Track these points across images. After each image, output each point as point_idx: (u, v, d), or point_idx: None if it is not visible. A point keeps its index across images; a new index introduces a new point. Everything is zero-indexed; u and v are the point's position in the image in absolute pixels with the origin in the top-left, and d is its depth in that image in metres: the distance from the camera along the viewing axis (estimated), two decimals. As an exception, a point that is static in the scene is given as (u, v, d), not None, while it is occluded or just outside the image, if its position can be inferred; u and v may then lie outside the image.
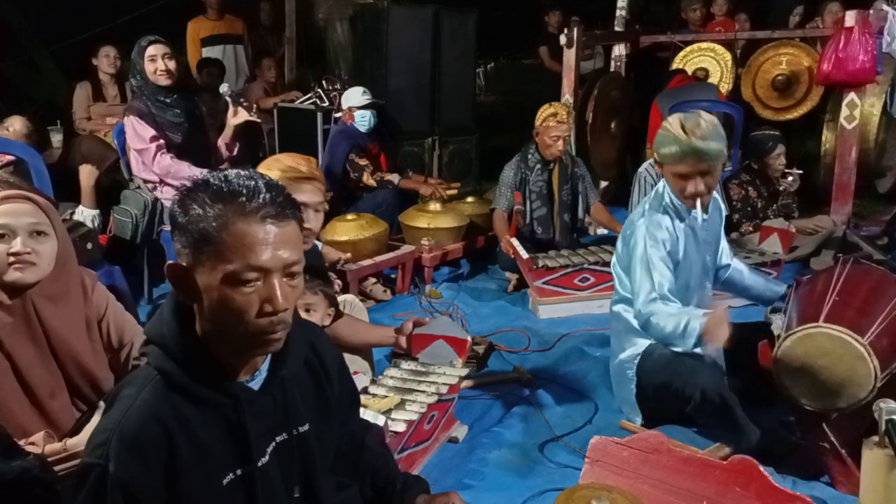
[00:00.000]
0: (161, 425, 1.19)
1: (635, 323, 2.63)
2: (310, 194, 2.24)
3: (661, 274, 2.49)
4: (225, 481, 1.25)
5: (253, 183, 1.20)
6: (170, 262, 1.24)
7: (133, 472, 1.15)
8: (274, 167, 2.22)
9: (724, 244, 2.88)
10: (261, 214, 1.17)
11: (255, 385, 1.30)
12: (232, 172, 1.22)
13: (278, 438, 1.33)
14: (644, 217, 2.59)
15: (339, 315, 2.53)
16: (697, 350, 2.37)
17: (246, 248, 1.16)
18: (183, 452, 1.20)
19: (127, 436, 1.17)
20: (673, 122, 2.50)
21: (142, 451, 1.17)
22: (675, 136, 2.47)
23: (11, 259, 1.69)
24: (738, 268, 2.90)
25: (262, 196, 1.18)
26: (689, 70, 5.97)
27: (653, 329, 2.46)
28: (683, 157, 2.47)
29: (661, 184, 2.64)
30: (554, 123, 4.18)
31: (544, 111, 4.23)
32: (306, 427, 1.37)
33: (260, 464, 1.29)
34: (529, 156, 4.35)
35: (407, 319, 2.54)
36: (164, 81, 3.71)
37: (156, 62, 3.68)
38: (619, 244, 2.73)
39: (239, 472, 1.26)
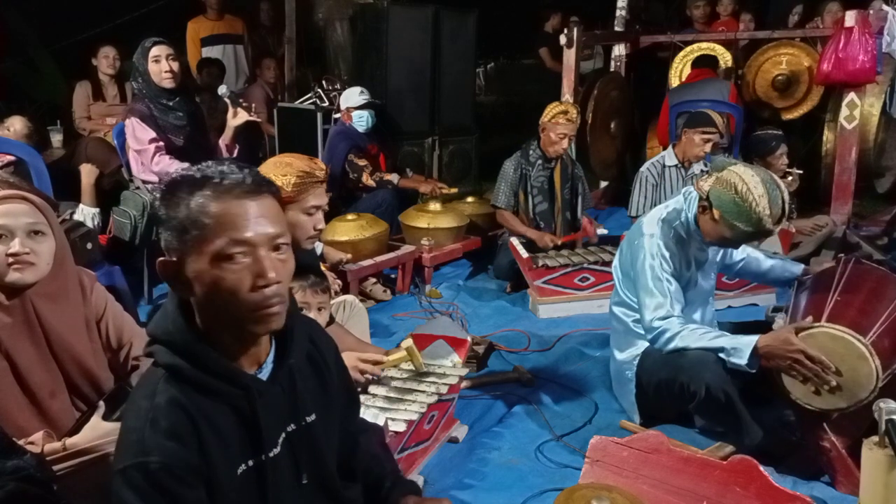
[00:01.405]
0: (187, 414, 1.21)
1: (634, 325, 2.63)
2: (322, 197, 2.25)
3: (670, 291, 2.49)
4: (239, 471, 1.26)
5: (224, 167, 1.24)
6: (160, 259, 1.26)
7: (175, 454, 1.17)
8: (288, 172, 2.18)
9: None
10: (235, 193, 1.22)
11: (263, 376, 1.32)
12: (203, 164, 1.27)
13: (289, 429, 1.35)
14: (656, 229, 2.57)
15: (330, 319, 2.53)
16: (741, 365, 2.30)
17: (227, 225, 1.20)
18: (209, 441, 1.22)
19: (160, 426, 1.19)
20: (762, 203, 2.30)
21: (178, 436, 1.19)
22: (758, 220, 2.31)
23: (10, 260, 1.69)
24: (754, 255, 2.88)
25: (233, 176, 1.23)
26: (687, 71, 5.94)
27: (670, 342, 2.44)
28: (751, 237, 2.44)
29: (688, 208, 2.56)
30: (563, 121, 4.18)
31: (554, 108, 4.23)
32: (313, 417, 1.39)
33: (272, 454, 1.30)
34: (531, 152, 4.35)
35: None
36: (168, 84, 3.68)
37: (160, 63, 3.66)
38: (623, 246, 2.71)
39: (251, 462, 1.28)
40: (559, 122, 4.19)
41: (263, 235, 1.22)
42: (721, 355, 2.34)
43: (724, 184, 2.37)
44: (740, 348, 2.29)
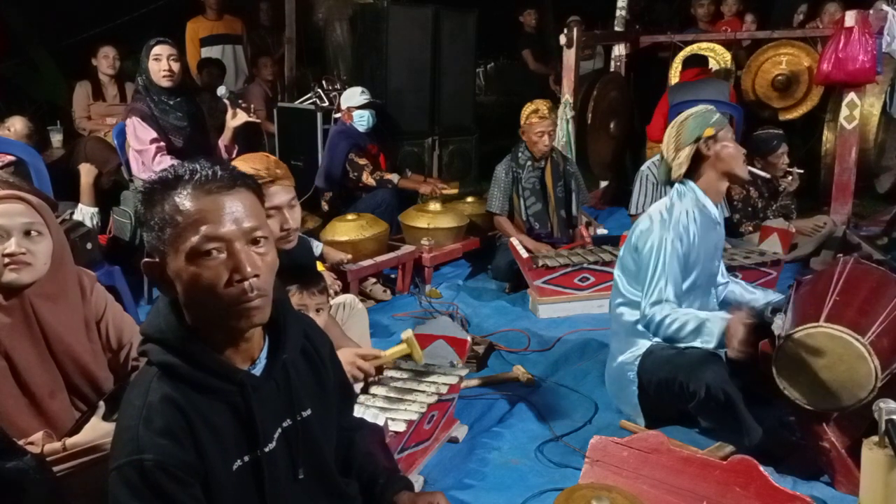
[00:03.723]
0: (181, 412, 1.21)
1: (636, 325, 2.62)
2: (279, 196, 2.14)
3: (673, 278, 2.50)
4: (234, 467, 1.27)
5: (196, 165, 1.25)
6: (144, 260, 1.27)
7: (169, 452, 1.18)
8: None
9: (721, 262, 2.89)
10: (207, 189, 1.22)
11: (257, 371, 1.33)
12: (179, 164, 1.27)
13: (284, 424, 1.35)
14: (667, 214, 2.58)
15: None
16: (711, 348, 2.38)
17: (199, 221, 1.20)
18: (203, 438, 1.22)
19: (153, 425, 1.19)
20: (691, 111, 2.66)
21: (172, 434, 1.19)
22: (704, 112, 2.62)
23: (6, 260, 1.69)
24: (733, 289, 2.90)
25: (204, 172, 1.23)
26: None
27: (660, 327, 2.46)
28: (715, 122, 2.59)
29: (688, 189, 2.63)
30: (536, 119, 4.21)
31: (527, 109, 4.27)
32: (309, 412, 1.40)
33: (267, 449, 1.31)
34: (520, 154, 4.37)
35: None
36: (165, 83, 3.72)
37: (160, 62, 3.70)
38: (632, 235, 2.69)
39: (247, 458, 1.29)
40: (533, 121, 4.22)
41: (237, 230, 1.22)
42: (698, 340, 2.40)
43: (664, 148, 2.65)
44: (713, 325, 2.36)
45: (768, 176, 4.56)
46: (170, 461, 1.17)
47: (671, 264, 2.50)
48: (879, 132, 5.48)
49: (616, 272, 2.78)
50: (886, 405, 1.85)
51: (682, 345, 2.48)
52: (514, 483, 2.34)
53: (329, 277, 3.06)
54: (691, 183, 2.62)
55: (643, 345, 2.64)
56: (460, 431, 2.63)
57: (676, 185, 2.66)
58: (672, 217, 2.57)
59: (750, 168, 4.11)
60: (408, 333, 2.35)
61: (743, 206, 4.61)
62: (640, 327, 2.62)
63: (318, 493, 1.42)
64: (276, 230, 2.15)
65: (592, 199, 6.04)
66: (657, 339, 2.61)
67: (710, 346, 2.37)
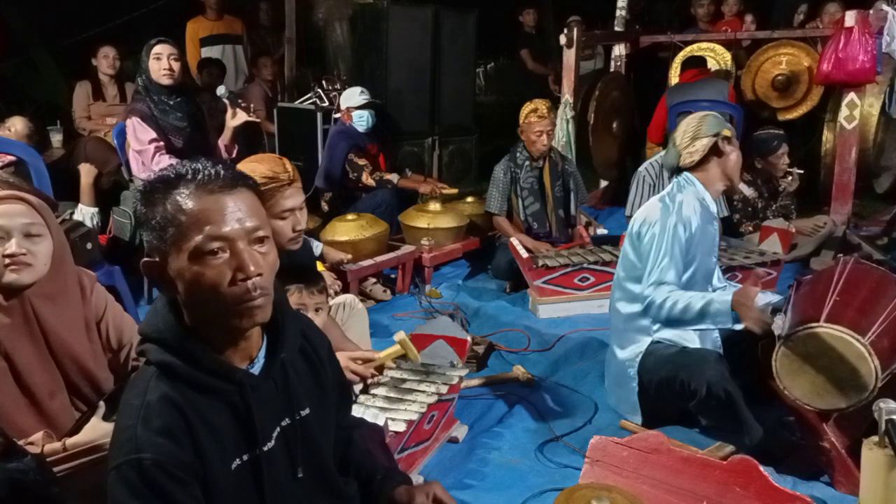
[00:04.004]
0: (179, 411, 1.21)
1: (639, 320, 2.62)
2: (295, 198, 2.16)
3: (675, 262, 2.51)
4: (233, 466, 1.27)
5: (197, 164, 1.25)
6: (144, 260, 1.27)
7: (168, 451, 1.18)
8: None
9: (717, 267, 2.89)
10: (209, 188, 1.22)
11: (255, 371, 1.33)
12: (178, 163, 1.27)
13: (283, 423, 1.35)
14: (669, 201, 2.60)
15: None
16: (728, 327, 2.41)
17: (202, 221, 1.20)
18: (202, 437, 1.22)
19: (151, 424, 1.19)
20: (703, 116, 2.67)
21: (171, 434, 1.19)
22: (714, 119, 2.62)
23: (7, 261, 1.69)
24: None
25: (206, 172, 1.23)
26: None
27: (661, 308, 2.45)
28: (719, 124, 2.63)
29: (687, 182, 2.65)
30: (535, 119, 4.22)
31: (525, 108, 4.28)
32: (307, 411, 1.40)
33: (266, 448, 1.31)
34: (518, 154, 4.38)
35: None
36: (165, 81, 3.73)
37: (161, 61, 3.71)
38: (634, 224, 2.69)
39: (245, 457, 1.29)
40: (531, 120, 4.23)
41: (241, 229, 1.22)
42: (706, 321, 2.40)
43: (679, 135, 2.64)
44: (720, 304, 2.36)
45: (754, 194, 4.57)
46: (168, 460, 1.17)
47: (674, 249, 2.51)
48: (879, 132, 5.48)
49: (617, 269, 2.79)
50: (886, 405, 1.86)
51: (690, 328, 2.50)
52: (514, 483, 2.35)
53: (329, 277, 3.06)
54: (692, 176, 2.64)
55: (644, 342, 2.64)
56: (460, 431, 2.63)
57: (677, 177, 2.68)
58: (675, 204, 2.58)
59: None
60: (400, 335, 2.35)
61: (743, 206, 4.61)
62: (639, 322, 2.61)
63: (318, 492, 1.42)
64: (289, 232, 2.16)
65: (592, 199, 6.04)
66: (657, 337, 2.61)
67: (727, 324, 2.38)
